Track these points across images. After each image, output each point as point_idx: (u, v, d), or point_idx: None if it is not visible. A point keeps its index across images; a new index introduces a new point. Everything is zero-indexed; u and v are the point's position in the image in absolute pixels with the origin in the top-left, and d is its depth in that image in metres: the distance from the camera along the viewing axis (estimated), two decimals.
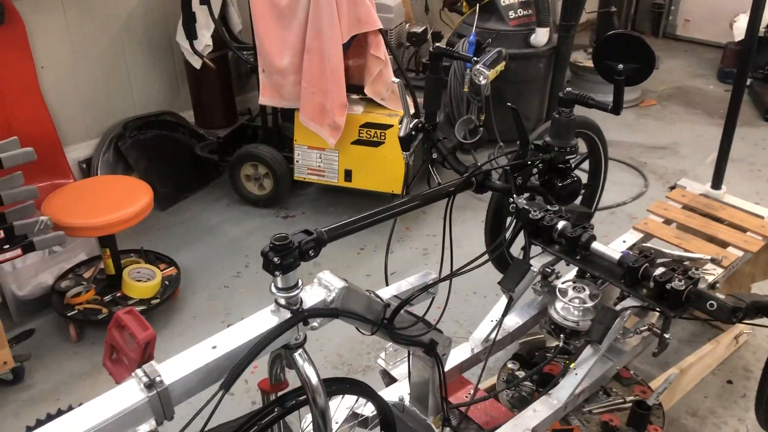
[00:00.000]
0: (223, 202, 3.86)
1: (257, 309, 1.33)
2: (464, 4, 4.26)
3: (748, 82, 5.37)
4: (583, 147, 2.75)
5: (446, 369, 1.91)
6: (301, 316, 1.29)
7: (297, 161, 3.59)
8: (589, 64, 5.15)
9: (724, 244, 2.46)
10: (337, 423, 1.77)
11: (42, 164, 2.87)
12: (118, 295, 2.90)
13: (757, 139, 4.63)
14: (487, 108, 3.41)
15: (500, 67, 1.54)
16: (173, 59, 3.96)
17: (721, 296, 1.88)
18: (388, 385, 2.01)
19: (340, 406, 1.81)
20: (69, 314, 2.82)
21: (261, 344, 1.24)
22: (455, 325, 2.83)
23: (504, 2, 4.14)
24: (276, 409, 1.40)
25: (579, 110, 2.14)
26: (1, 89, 3.21)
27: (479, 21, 4.08)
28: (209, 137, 4.01)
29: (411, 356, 1.75)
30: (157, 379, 1.16)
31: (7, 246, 2.34)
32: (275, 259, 1.23)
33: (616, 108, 1.63)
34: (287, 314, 1.30)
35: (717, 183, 2.74)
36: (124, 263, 3.00)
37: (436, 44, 1.62)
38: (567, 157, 1.48)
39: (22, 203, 2.36)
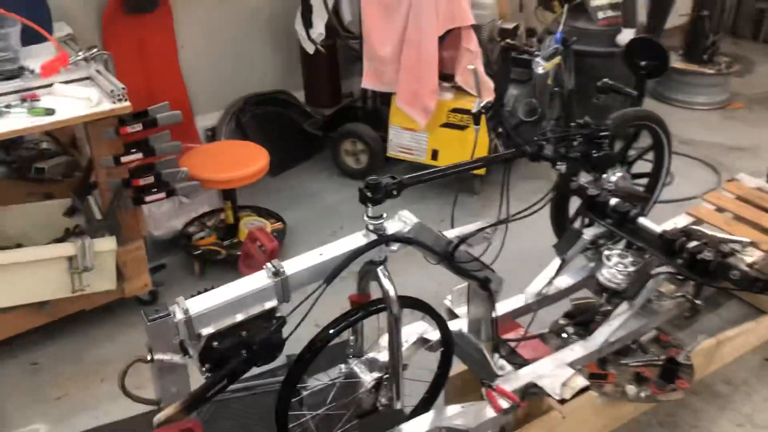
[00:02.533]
0: (325, 173, 4.36)
1: None
2: (557, 2, 4.57)
3: None
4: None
5: (500, 313, 2.31)
6: (384, 238, 1.74)
7: (391, 140, 4.04)
8: (680, 65, 5.33)
9: (767, 232, 2.72)
10: (407, 342, 2.19)
11: (176, 129, 3.39)
12: (235, 240, 3.45)
13: None
14: (569, 99, 3.73)
15: (557, 60, 1.88)
16: (289, 44, 4.48)
17: (746, 268, 2.18)
18: (451, 320, 2.42)
19: (411, 332, 2.24)
20: (194, 253, 3.39)
21: (354, 254, 1.70)
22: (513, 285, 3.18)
23: (594, 3, 4.43)
24: (361, 312, 1.85)
25: (649, 105, 2.46)
26: (149, 64, 3.83)
27: (569, 20, 4.36)
28: (316, 115, 4.53)
29: (470, 291, 2.16)
30: (281, 270, 1.64)
31: (155, 189, 2.90)
32: (368, 194, 1.68)
33: (640, 97, 1.97)
34: (374, 237, 1.74)
35: None
36: (241, 216, 3.55)
37: (506, 40, 1.98)
38: (601, 133, 1.84)
39: (169, 156, 2.92)
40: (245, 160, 3.32)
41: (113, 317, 3.06)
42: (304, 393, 1.96)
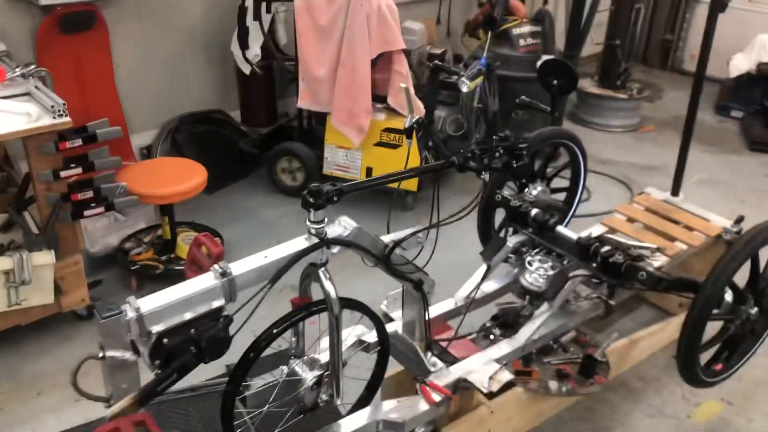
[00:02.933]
0: (261, 191, 4.45)
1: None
2: (481, 30, 4.85)
3: (740, 114, 5.90)
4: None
5: (433, 316, 2.46)
6: (325, 241, 1.87)
7: (326, 158, 4.18)
8: (595, 90, 5.72)
9: (672, 239, 2.99)
10: (346, 344, 2.31)
11: (111, 147, 3.47)
12: (173, 256, 3.49)
13: (740, 166, 5.13)
14: (494, 118, 3.97)
15: (479, 79, 2.07)
16: (226, 64, 4.58)
17: (652, 269, 2.42)
18: (387, 323, 2.56)
19: (350, 334, 2.37)
20: (131, 268, 3.42)
21: (297, 256, 1.82)
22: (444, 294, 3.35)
23: (516, 31, 4.72)
24: (303, 312, 1.97)
25: (568, 127, 2.68)
26: (84, 82, 3.85)
27: (493, 47, 4.64)
28: (252, 134, 4.63)
29: (404, 294, 2.30)
30: (228, 270, 1.74)
31: (94, 204, 2.93)
32: (310, 199, 1.81)
33: (553, 112, 2.19)
34: (315, 240, 1.87)
35: (676, 191, 3.27)
36: (178, 231, 3.60)
37: (435, 61, 2.17)
38: (520, 145, 2.04)
39: (108, 171, 2.96)
40: (183, 176, 3.39)
41: (49, 332, 3.05)
42: (248, 393, 2.06)
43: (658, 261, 2.84)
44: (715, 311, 2.47)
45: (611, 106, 5.66)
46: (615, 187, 4.72)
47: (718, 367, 2.69)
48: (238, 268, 1.78)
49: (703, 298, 2.33)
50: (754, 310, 2.58)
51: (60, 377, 2.80)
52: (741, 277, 2.46)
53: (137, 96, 4.21)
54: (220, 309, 1.75)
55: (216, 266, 1.76)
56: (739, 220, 3.03)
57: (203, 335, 1.70)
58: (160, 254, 3.50)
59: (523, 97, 2.24)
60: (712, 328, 2.76)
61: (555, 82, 2.24)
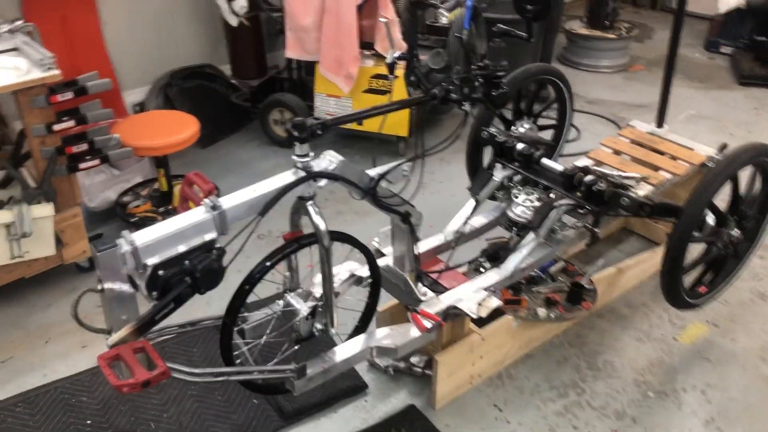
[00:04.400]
0: (254, 143, 4.50)
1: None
2: None
3: (730, 50, 5.89)
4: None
5: (423, 250, 2.54)
6: (312, 174, 1.93)
7: (317, 107, 4.22)
8: (584, 31, 5.70)
9: (657, 168, 3.05)
10: (339, 279, 2.40)
11: (104, 103, 3.50)
12: (170, 207, 3.56)
13: (729, 101, 5.15)
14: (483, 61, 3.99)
15: (457, 11, 2.10)
16: (214, 18, 4.57)
17: (634, 195, 2.48)
18: (378, 258, 2.64)
19: (343, 269, 2.45)
20: (131, 221, 3.49)
21: (284, 189, 1.89)
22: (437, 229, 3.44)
23: None
24: (294, 245, 2.04)
25: (556, 66, 2.69)
26: (72, 40, 3.87)
27: None
28: (243, 87, 4.65)
29: (393, 228, 2.37)
30: (219, 204, 1.81)
31: (89, 157, 2.99)
32: (295, 133, 1.86)
33: (529, 38, 2.23)
34: (302, 174, 1.93)
35: (660, 122, 3.31)
36: (175, 183, 3.66)
37: None
38: (497, 73, 2.08)
39: (101, 124, 3.01)
40: (176, 128, 3.43)
41: (53, 284, 3.14)
42: (246, 325, 2.15)
43: (643, 190, 2.90)
44: (697, 234, 2.54)
45: (600, 46, 5.65)
46: (605, 126, 4.75)
47: (702, 289, 2.78)
48: (228, 201, 1.85)
49: (684, 219, 2.40)
50: (736, 232, 2.65)
51: (66, 326, 2.89)
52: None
53: (127, 53, 4.22)
54: (212, 241, 1.83)
55: (206, 200, 1.82)
56: (723, 147, 3.08)
57: (197, 266, 1.77)
58: (158, 206, 3.57)
59: (499, 24, 2.27)
60: (697, 251, 2.85)
61: (529, 7, 2.27)
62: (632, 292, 3.15)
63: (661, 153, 3.17)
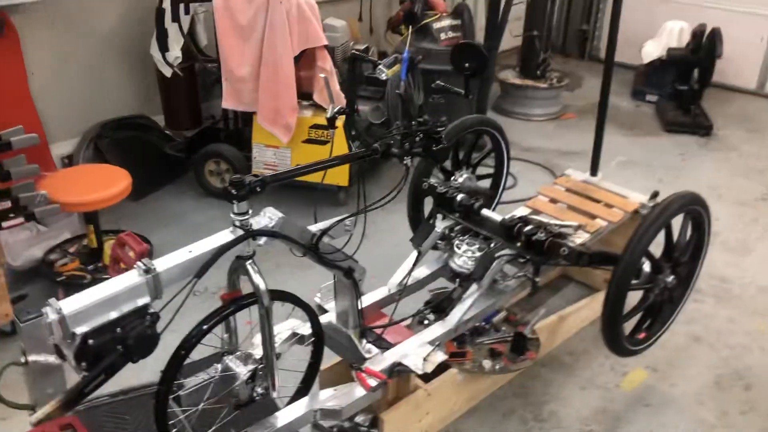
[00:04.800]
0: (189, 195, 4.39)
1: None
2: (403, 27, 4.91)
3: (655, 98, 6.16)
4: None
5: (367, 304, 2.50)
6: (250, 233, 1.87)
7: (254, 158, 4.16)
8: (517, 81, 5.87)
9: (593, 216, 3.11)
10: (280, 338, 2.32)
11: (30, 158, 3.37)
12: (100, 265, 3.41)
13: (657, 147, 5.37)
14: (420, 111, 4.03)
15: (396, 67, 2.12)
16: (146, 68, 4.49)
17: (573, 245, 2.52)
18: (321, 315, 2.58)
19: (283, 328, 2.37)
20: (57, 279, 3.32)
21: (222, 249, 1.82)
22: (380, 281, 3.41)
23: (436, 25, 4.81)
24: (232, 306, 1.96)
25: (490, 115, 2.75)
26: None
27: (416, 41, 4.71)
28: (177, 138, 4.56)
29: (336, 284, 2.32)
30: (152, 267, 1.72)
31: (13, 215, 2.85)
32: (233, 191, 1.81)
33: (467, 94, 2.26)
34: (241, 232, 1.87)
35: (594, 170, 3.40)
36: (105, 240, 3.52)
37: (353, 50, 2.20)
38: (438, 129, 2.09)
39: (26, 180, 2.87)
40: (106, 182, 3.31)
41: None
42: (182, 392, 2.04)
43: (581, 238, 2.95)
44: (634, 281, 2.58)
45: (532, 95, 5.82)
46: (539, 173, 4.86)
47: (642, 335, 2.82)
48: (163, 264, 1.77)
49: (622, 268, 2.43)
50: (671, 278, 2.71)
51: None
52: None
53: (55, 104, 4.08)
54: (145, 306, 1.73)
55: (139, 263, 1.74)
56: (655, 195, 3.17)
57: (130, 333, 1.68)
58: (86, 264, 3.42)
59: (438, 81, 2.30)
60: (634, 299, 2.89)
61: (467, 65, 2.31)
62: (574, 339, 3.17)
63: (597, 201, 3.24)
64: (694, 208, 2.67)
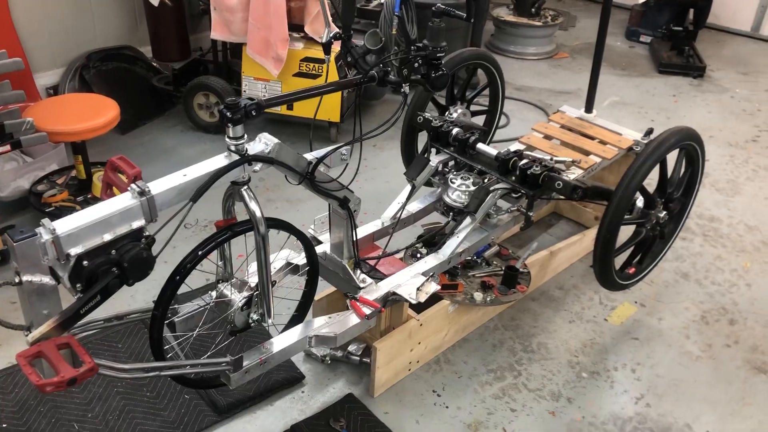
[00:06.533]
0: (178, 128, 4.32)
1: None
2: None
3: (648, 39, 6.09)
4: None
5: (360, 236, 2.49)
6: (246, 158, 1.84)
7: (244, 90, 4.09)
8: (511, 18, 5.76)
9: (587, 153, 3.10)
10: (275, 267, 2.31)
11: (14, 87, 3.28)
12: (89, 196, 3.37)
13: (650, 88, 5.32)
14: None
15: None
16: None
17: (567, 178, 2.51)
18: (315, 245, 2.57)
19: (279, 258, 2.37)
20: (46, 210, 3.28)
21: (217, 174, 1.79)
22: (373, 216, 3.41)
23: None
24: (228, 232, 1.95)
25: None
26: None
27: None
28: (165, 70, 4.45)
29: (331, 214, 2.31)
30: (147, 189, 1.70)
31: None
32: (228, 114, 1.77)
33: (469, 18, 2.21)
34: (236, 157, 1.84)
35: (589, 107, 3.37)
36: (93, 171, 3.46)
37: None
38: (438, 54, 2.04)
39: (11, 106, 2.80)
40: (94, 112, 3.24)
41: None
42: (176, 318, 2.04)
43: (574, 174, 2.94)
44: (626, 216, 2.59)
45: (526, 33, 5.73)
46: (532, 112, 4.83)
47: (632, 270, 2.85)
48: (157, 187, 1.74)
49: (616, 202, 2.44)
50: (663, 214, 2.73)
51: None
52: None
53: (39, 33, 3.96)
54: (141, 229, 1.71)
55: (133, 185, 1.71)
56: (649, 132, 3.16)
57: (125, 256, 1.66)
58: (75, 195, 3.37)
59: (438, 4, 2.23)
60: (626, 234, 2.91)
61: None
62: (563, 274, 3.20)
63: (591, 138, 3.22)
64: (690, 144, 2.66)
